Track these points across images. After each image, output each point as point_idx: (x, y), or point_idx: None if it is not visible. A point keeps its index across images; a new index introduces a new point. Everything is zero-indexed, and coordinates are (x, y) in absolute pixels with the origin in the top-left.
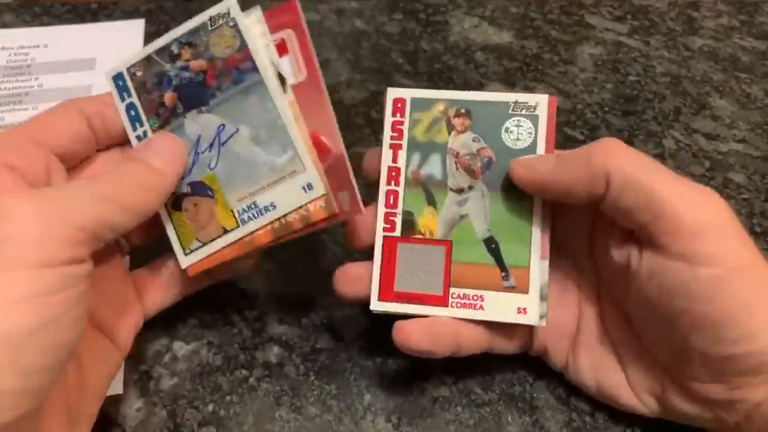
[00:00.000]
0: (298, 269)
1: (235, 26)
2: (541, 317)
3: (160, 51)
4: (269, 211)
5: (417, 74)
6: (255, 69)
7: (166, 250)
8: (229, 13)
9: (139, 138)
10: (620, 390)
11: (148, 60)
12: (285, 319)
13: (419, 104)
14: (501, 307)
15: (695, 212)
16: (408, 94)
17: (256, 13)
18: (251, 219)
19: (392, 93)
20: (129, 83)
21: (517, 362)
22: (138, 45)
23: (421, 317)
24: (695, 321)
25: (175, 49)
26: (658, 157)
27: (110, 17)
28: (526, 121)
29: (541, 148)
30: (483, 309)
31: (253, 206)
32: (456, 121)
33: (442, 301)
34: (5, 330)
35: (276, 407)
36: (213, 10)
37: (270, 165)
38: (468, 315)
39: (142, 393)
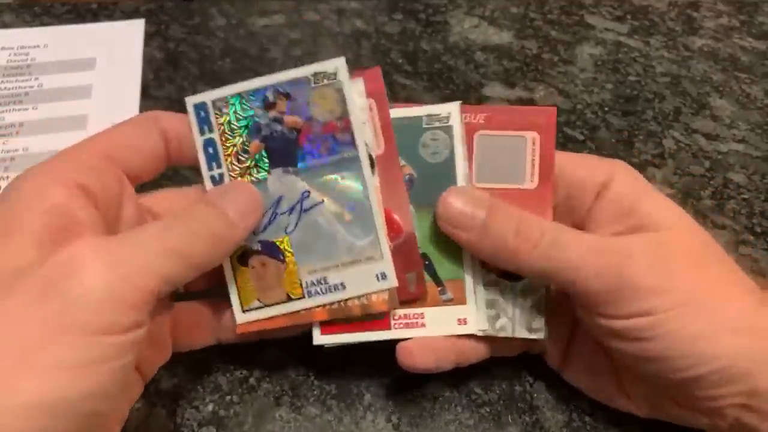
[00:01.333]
0: None
1: (340, 91)
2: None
3: (252, 94)
4: (338, 290)
5: (417, 74)
6: (352, 143)
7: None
8: (336, 75)
9: (213, 179)
10: (615, 394)
11: (238, 98)
12: None
13: None
14: (442, 320)
15: (612, 282)
16: None
17: (359, 86)
18: (318, 294)
19: None
20: (212, 117)
21: (517, 362)
22: (138, 45)
23: (372, 342)
24: (648, 358)
25: (270, 96)
26: (658, 157)
27: (110, 17)
28: (441, 133)
29: (459, 160)
30: (425, 326)
31: (323, 281)
32: None
33: (384, 324)
34: (48, 397)
35: (276, 407)
36: (319, 67)
37: (349, 245)
38: (411, 334)
39: (142, 393)
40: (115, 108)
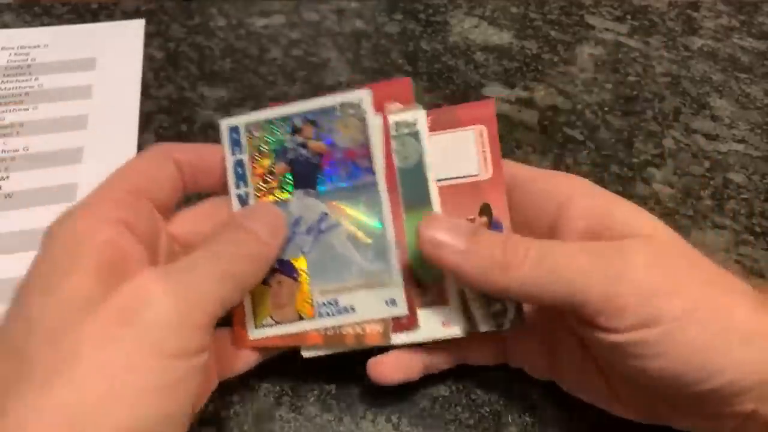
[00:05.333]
0: None
1: (363, 120)
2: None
3: (282, 120)
4: (347, 312)
5: (417, 74)
6: (371, 170)
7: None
8: (360, 105)
9: (240, 197)
10: (610, 404)
11: (268, 124)
12: None
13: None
14: (427, 323)
15: (612, 287)
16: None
17: (380, 118)
18: (328, 315)
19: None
20: (243, 140)
21: None
22: (138, 45)
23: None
24: (655, 375)
25: (298, 122)
26: (658, 157)
27: (110, 17)
28: (410, 139)
29: (429, 165)
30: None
31: (333, 303)
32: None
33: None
34: (134, 421)
35: (276, 407)
36: (345, 97)
37: (360, 268)
38: (403, 339)
39: None
40: (115, 108)
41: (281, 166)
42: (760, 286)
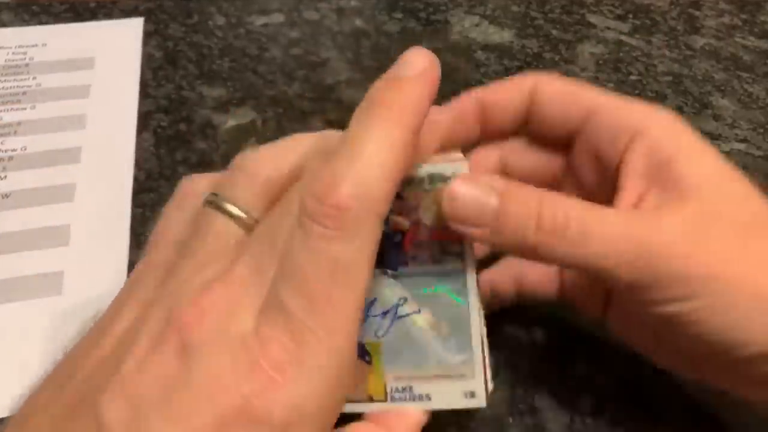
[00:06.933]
0: None
1: None
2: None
3: None
4: (422, 400)
5: None
6: (460, 255)
7: None
8: (452, 179)
9: None
10: (656, 351)
11: None
12: None
13: None
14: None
15: (647, 270)
16: None
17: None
18: (401, 400)
19: None
20: None
21: (517, 364)
22: (137, 44)
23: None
24: (697, 340)
25: None
26: None
27: (109, 16)
28: None
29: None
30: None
31: (408, 389)
32: None
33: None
34: None
35: None
36: (434, 168)
37: (439, 359)
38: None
39: None
40: (113, 107)
41: None
42: None
